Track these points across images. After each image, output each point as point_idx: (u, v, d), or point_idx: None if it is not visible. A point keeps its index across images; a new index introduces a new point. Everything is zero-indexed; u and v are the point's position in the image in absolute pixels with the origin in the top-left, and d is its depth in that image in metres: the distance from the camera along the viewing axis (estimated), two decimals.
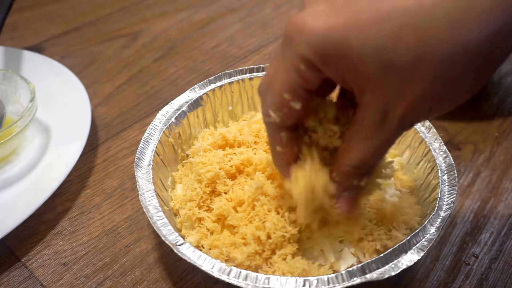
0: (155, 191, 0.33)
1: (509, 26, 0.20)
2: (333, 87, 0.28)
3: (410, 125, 0.24)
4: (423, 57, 0.20)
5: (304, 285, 0.27)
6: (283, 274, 0.29)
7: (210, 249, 0.31)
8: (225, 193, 0.33)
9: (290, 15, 0.23)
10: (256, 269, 0.30)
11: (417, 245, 0.29)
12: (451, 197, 0.32)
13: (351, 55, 0.21)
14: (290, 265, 0.30)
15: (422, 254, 0.28)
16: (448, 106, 0.23)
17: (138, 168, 0.34)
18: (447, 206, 0.32)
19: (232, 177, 0.34)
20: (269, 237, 0.30)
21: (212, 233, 0.32)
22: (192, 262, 0.28)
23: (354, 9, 0.21)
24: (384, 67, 0.21)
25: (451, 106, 0.23)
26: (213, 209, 0.33)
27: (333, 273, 0.28)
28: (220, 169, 0.33)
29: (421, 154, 0.37)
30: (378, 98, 0.22)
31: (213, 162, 0.34)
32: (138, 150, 0.35)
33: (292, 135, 0.27)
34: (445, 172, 0.34)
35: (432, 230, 0.30)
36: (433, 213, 0.31)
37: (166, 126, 0.37)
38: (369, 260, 0.28)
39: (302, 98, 0.24)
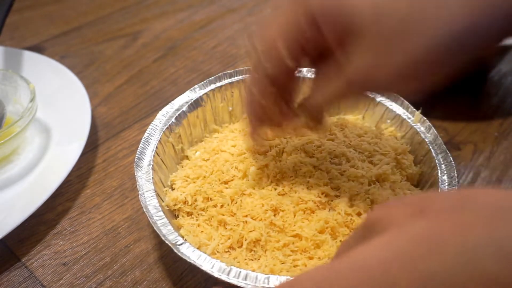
0: (155, 191, 0.33)
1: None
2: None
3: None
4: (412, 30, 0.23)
5: None
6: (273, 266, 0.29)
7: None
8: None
9: None
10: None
11: None
12: None
13: (351, 14, 0.24)
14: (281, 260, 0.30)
15: None
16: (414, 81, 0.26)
17: (138, 168, 0.34)
18: None
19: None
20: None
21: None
22: (192, 262, 0.28)
23: None
24: (376, 21, 0.24)
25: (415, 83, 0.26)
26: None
27: None
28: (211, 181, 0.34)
29: (421, 154, 0.37)
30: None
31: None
32: (138, 150, 0.35)
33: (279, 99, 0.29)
34: (445, 172, 0.34)
35: None
36: None
37: (166, 126, 0.37)
38: None
39: (294, 53, 0.27)
